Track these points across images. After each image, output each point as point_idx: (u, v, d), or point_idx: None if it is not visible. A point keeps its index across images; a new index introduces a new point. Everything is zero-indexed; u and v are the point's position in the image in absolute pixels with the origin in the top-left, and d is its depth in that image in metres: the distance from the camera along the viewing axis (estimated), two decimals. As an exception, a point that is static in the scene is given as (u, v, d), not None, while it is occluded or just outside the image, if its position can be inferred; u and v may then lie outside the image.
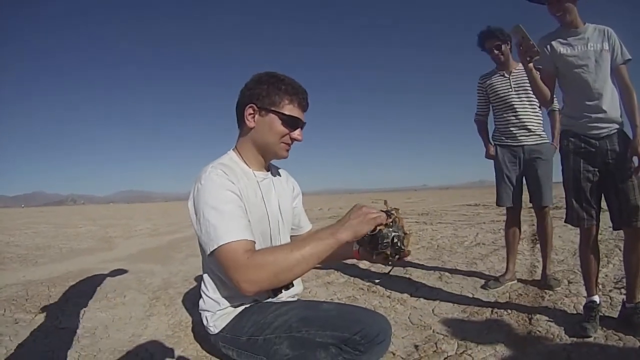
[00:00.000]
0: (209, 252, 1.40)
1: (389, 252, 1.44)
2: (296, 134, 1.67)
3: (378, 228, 1.40)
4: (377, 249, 1.44)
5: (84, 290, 4.08)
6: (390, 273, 1.44)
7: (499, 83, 3.69)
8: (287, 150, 1.71)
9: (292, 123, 1.64)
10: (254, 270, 1.30)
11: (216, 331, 1.64)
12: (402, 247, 1.43)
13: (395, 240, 1.42)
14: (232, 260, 1.34)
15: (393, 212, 1.45)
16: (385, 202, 1.54)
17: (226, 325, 1.62)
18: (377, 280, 1.58)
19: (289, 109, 1.63)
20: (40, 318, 3.20)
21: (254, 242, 1.42)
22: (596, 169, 2.61)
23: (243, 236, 1.38)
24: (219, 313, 1.64)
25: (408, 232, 1.46)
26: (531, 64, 2.57)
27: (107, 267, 5.44)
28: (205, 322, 1.68)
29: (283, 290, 1.67)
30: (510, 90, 3.62)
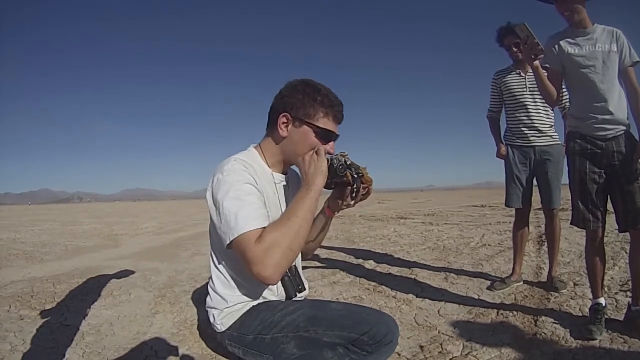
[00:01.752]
0: (228, 242, 1.37)
1: (350, 175, 1.54)
2: (329, 147, 1.64)
3: (330, 158, 1.55)
4: (337, 175, 1.55)
5: (89, 288, 4.10)
6: (360, 194, 1.59)
7: (514, 82, 3.65)
8: None
9: (325, 136, 1.61)
10: (269, 253, 1.29)
11: (223, 329, 1.63)
12: (360, 171, 1.56)
13: (349, 162, 1.55)
14: (248, 249, 1.31)
15: (341, 153, 1.61)
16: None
17: (233, 324, 1.61)
18: (349, 203, 1.71)
19: (324, 122, 1.60)
20: (45, 315, 3.22)
21: None
22: (602, 171, 2.59)
23: (258, 224, 1.36)
24: (226, 311, 1.62)
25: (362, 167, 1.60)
26: (537, 62, 2.57)
27: (112, 265, 5.48)
28: (212, 320, 1.67)
29: (297, 294, 1.69)
30: (525, 90, 3.58)
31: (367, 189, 1.62)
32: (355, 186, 1.57)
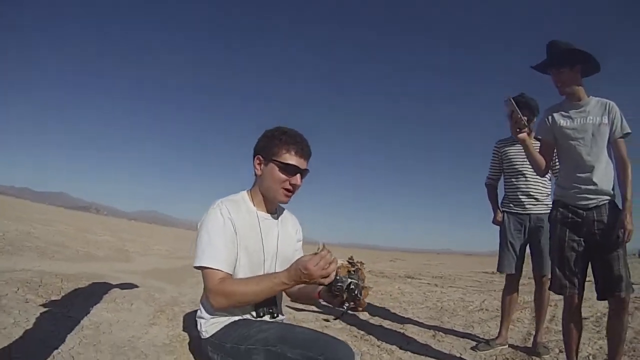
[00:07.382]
0: (194, 265, 1.80)
1: (344, 297, 1.71)
2: (294, 180, 1.92)
3: (337, 272, 1.67)
4: (332, 291, 1.72)
5: (94, 291, 4.20)
6: (347, 314, 1.76)
7: (516, 152, 3.82)
8: (287, 196, 1.96)
9: (290, 170, 1.90)
10: (221, 296, 1.74)
11: (207, 336, 1.90)
12: (359, 296, 1.70)
13: (352, 287, 1.68)
14: (208, 282, 1.77)
15: (357, 263, 1.76)
16: (351, 258, 1.81)
17: (216, 332, 1.88)
18: (332, 318, 2.02)
19: (287, 158, 1.90)
20: (50, 305, 3.33)
21: (230, 275, 1.81)
22: (581, 239, 2.68)
23: (221, 267, 1.77)
24: (211, 321, 1.90)
25: (367, 286, 1.74)
26: (524, 134, 2.74)
27: (120, 277, 5.52)
28: (199, 327, 1.95)
29: (266, 316, 1.97)
30: (525, 160, 3.72)
31: (355, 309, 1.77)
32: (345, 307, 1.75)
